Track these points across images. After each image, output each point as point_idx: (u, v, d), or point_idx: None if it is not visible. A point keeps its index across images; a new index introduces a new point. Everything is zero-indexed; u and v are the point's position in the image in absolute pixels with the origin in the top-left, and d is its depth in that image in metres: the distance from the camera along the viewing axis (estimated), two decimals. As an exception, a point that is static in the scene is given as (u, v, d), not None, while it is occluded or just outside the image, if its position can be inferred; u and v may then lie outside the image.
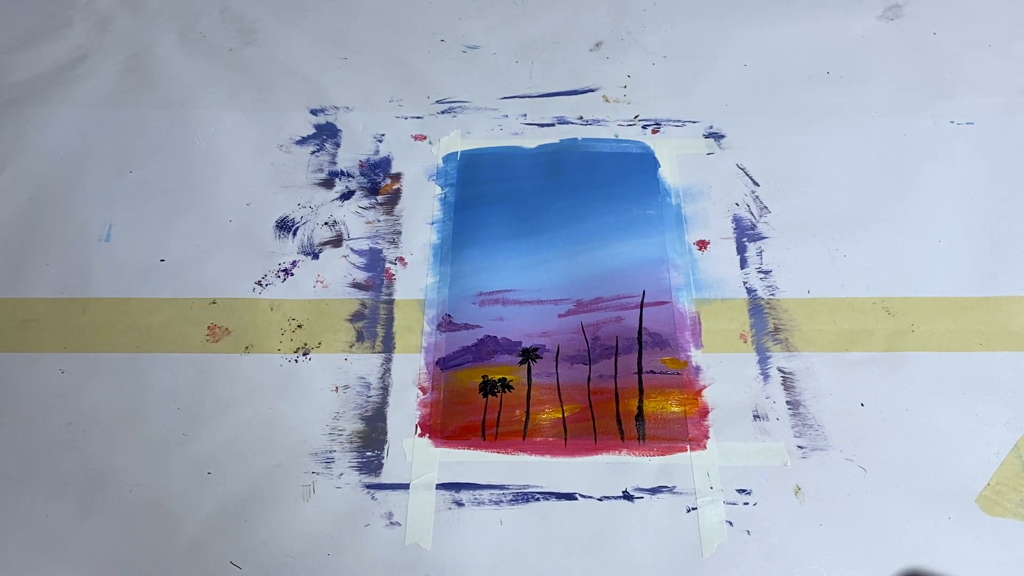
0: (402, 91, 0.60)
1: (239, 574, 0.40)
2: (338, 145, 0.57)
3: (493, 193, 0.54)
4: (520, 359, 0.47)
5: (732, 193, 0.54)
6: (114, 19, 0.64)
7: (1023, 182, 0.54)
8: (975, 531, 0.41)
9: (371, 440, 0.44)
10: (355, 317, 0.49)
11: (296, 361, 0.47)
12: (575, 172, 0.55)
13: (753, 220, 0.52)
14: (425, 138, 0.57)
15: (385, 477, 0.43)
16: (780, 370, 0.46)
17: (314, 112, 0.59)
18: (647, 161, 0.56)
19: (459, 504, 0.42)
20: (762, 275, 0.50)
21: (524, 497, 0.42)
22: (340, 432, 0.44)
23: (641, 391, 0.45)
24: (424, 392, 0.46)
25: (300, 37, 0.63)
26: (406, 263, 0.51)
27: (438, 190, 0.54)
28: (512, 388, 0.46)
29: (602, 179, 0.55)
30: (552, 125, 0.58)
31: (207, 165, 0.56)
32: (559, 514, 0.42)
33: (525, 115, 0.58)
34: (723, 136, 0.57)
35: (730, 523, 0.41)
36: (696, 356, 0.47)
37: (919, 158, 0.55)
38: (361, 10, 0.65)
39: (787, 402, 0.45)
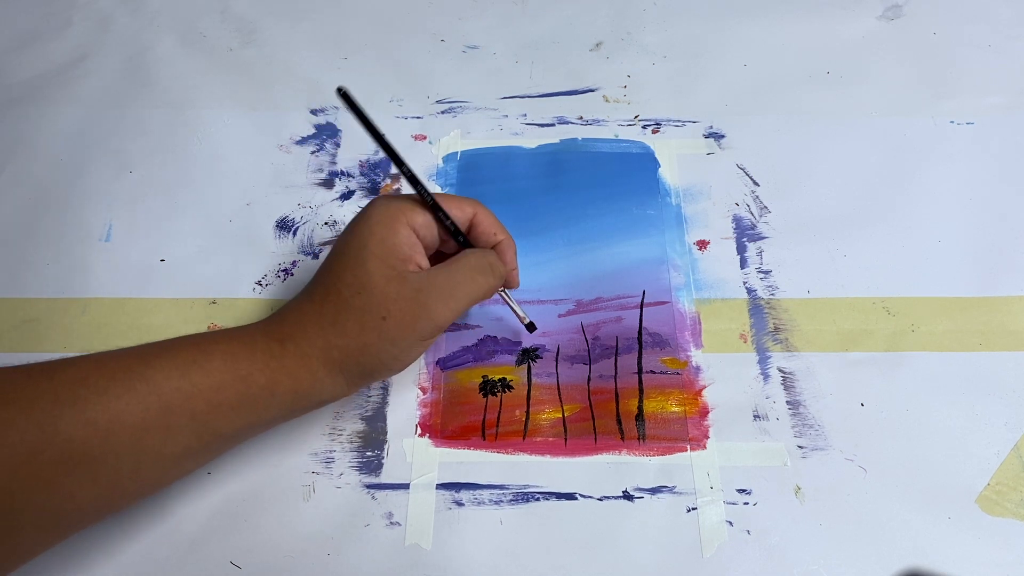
0: (402, 91, 0.60)
1: (239, 574, 0.40)
2: (338, 145, 0.57)
3: (493, 193, 0.54)
4: (520, 359, 0.47)
5: (732, 193, 0.54)
6: (114, 19, 0.64)
7: (1023, 182, 0.54)
8: (975, 531, 0.41)
9: (371, 440, 0.44)
10: (355, 317, 0.49)
11: (296, 361, 0.47)
12: (575, 172, 0.55)
13: (753, 220, 0.52)
14: (425, 138, 0.57)
15: (385, 477, 0.43)
16: (780, 370, 0.46)
17: (314, 112, 0.59)
18: (647, 161, 0.56)
19: (459, 504, 0.42)
20: (762, 275, 0.50)
21: (524, 497, 0.42)
22: (340, 432, 0.44)
23: (641, 391, 0.45)
24: (424, 392, 0.46)
25: (300, 37, 0.63)
26: (406, 263, 0.51)
27: (438, 190, 0.54)
28: (512, 388, 0.46)
29: (602, 179, 0.55)
30: (552, 125, 0.58)
31: (207, 165, 0.56)
32: (559, 514, 0.42)
33: (525, 115, 0.58)
34: (723, 136, 0.57)
35: (730, 523, 0.41)
36: (696, 356, 0.47)
37: (919, 158, 0.55)
38: (361, 10, 0.65)
39: (787, 402, 0.45)
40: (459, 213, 0.41)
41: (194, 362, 0.34)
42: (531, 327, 0.46)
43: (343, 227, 0.52)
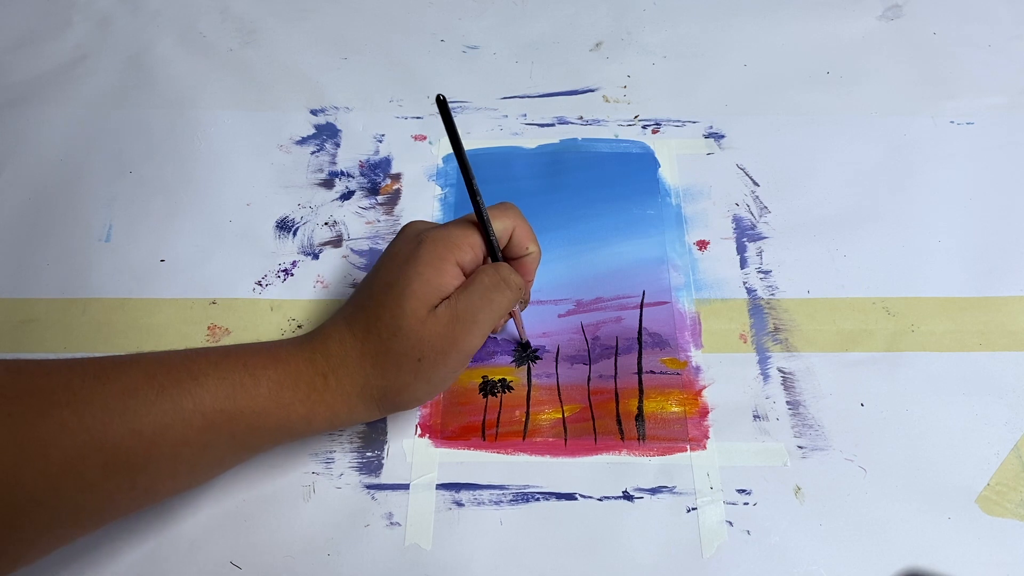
0: (402, 91, 0.60)
1: (239, 574, 0.40)
2: (338, 145, 0.57)
3: (493, 193, 0.53)
4: (520, 359, 0.47)
5: (732, 193, 0.54)
6: (114, 19, 0.64)
7: (1023, 182, 0.54)
8: (975, 531, 0.41)
9: (371, 440, 0.44)
10: (355, 317, 0.49)
11: (296, 361, 0.47)
12: (575, 172, 0.55)
13: (753, 220, 0.52)
14: (425, 138, 0.57)
15: (385, 477, 0.43)
16: (780, 370, 0.46)
17: (314, 112, 0.59)
18: (647, 161, 0.56)
19: (459, 504, 0.42)
20: (762, 275, 0.50)
21: (524, 497, 0.42)
22: (340, 432, 0.44)
23: (641, 391, 0.45)
24: (424, 392, 0.46)
25: (300, 37, 0.63)
26: (406, 263, 0.51)
27: (438, 190, 0.54)
28: (512, 388, 0.46)
29: (602, 179, 0.55)
30: (552, 125, 0.58)
31: (207, 165, 0.56)
32: (559, 514, 0.42)
33: (525, 115, 0.58)
34: (723, 136, 0.57)
35: (730, 523, 0.41)
36: (696, 356, 0.47)
37: (919, 158, 0.55)
38: (361, 10, 0.65)
39: (787, 402, 0.45)
40: (501, 230, 0.41)
41: (241, 386, 0.35)
42: (526, 347, 0.47)
43: (343, 227, 0.52)
